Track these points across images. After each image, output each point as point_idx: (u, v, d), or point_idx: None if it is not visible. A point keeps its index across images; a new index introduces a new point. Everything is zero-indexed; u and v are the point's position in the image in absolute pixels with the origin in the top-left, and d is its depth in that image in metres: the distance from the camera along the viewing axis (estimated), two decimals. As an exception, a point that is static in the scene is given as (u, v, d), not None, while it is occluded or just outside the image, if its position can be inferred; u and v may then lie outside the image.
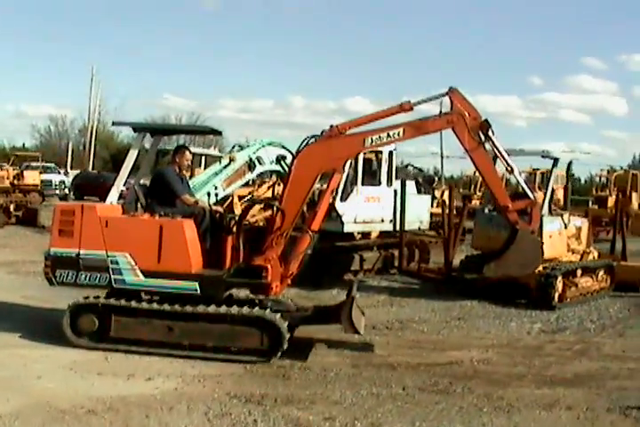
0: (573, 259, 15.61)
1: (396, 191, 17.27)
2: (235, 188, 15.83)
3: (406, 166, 30.43)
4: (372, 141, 9.92)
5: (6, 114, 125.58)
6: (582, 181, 40.03)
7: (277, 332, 9.39)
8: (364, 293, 14.30)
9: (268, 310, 9.61)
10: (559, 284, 14.28)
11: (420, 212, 19.63)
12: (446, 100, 10.15)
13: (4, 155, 50.53)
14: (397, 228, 17.48)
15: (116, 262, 9.60)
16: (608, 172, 40.09)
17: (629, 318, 13.76)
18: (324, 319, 10.27)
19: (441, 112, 10.09)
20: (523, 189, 11.02)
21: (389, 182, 17.72)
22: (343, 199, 16.29)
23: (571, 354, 10.76)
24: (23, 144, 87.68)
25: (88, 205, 10.14)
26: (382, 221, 17.27)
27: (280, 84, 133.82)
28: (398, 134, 9.93)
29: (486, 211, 15.46)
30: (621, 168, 40.29)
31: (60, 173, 48.49)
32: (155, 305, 9.64)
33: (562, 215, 15.40)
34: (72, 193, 44.24)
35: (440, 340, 10.76)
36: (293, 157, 10.16)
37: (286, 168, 17.54)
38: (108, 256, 9.60)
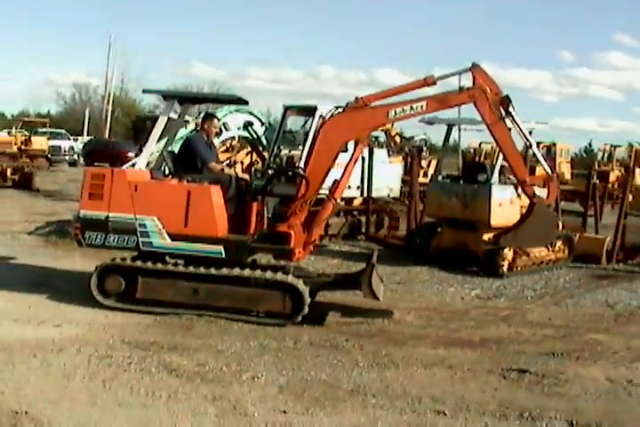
0: None
1: (363, 158, 17.23)
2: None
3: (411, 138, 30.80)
4: (395, 114, 10.11)
5: (36, 82, 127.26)
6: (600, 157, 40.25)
7: (299, 296, 9.62)
8: (319, 256, 14.53)
9: (291, 275, 9.82)
10: (508, 252, 14.32)
11: (389, 180, 19.86)
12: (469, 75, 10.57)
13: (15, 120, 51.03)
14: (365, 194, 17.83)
15: (144, 226, 9.80)
16: (611, 146, 40.35)
17: (575, 288, 13.77)
18: (344, 285, 10.59)
19: (462, 87, 10.26)
20: (541, 163, 11.33)
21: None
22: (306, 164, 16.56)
23: (492, 319, 10.85)
24: (48, 111, 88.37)
25: (118, 170, 10.36)
26: (349, 187, 16.95)
27: (310, 55, 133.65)
28: (421, 107, 10.11)
29: (439, 179, 15.77)
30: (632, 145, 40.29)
31: (69, 139, 49.00)
32: (181, 267, 9.83)
33: (516, 184, 15.66)
34: (83, 159, 44.83)
35: (367, 301, 10.61)
36: (317, 129, 10.60)
37: (254, 134, 17.78)
38: (136, 219, 9.79)
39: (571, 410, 7.15)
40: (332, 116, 10.20)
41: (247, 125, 16.05)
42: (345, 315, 10.44)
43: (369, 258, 10.50)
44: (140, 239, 9.91)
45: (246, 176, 11.03)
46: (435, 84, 10.34)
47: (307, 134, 16.89)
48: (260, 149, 18.60)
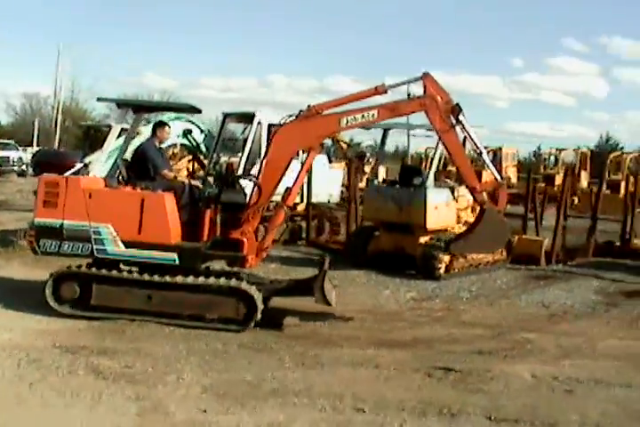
0: None
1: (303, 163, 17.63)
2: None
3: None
4: (347, 122, 10.21)
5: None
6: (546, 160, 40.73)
7: (252, 302, 9.70)
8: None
9: (244, 282, 9.91)
10: (445, 255, 14.34)
11: (329, 185, 19.89)
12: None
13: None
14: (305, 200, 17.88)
15: (99, 233, 9.87)
16: (557, 150, 40.68)
17: (511, 289, 13.84)
18: (297, 291, 10.63)
19: (410, 95, 10.35)
20: (490, 170, 11.54)
21: (297, 154, 18.16)
22: (246, 171, 16.28)
23: (426, 320, 10.94)
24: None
25: (72, 178, 10.50)
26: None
27: (261, 63, 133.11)
28: (373, 116, 10.23)
29: (375, 183, 15.89)
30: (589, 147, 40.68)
31: (18, 149, 48.76)
32: (135, 275, 9.92)
33: (452, 187, 15.60)
34: (32, 170, 44.65)
35: (301, 305, 10.80)
36: (270, 136, 10.75)
37: (193, 142, 17.91)
38: (90, 227, 9.87)
39: (491, 406, 7.27)
40: (284, 124, 10.31)
41: (186, 133, 16.15)
42: (278, 317, 10.52)
43: (321, 264, 10.58)
44: (95, 247, 9.97)
45: (199, 184, 11.12)
46: (386, 92, 10.47)
47: (245, 141, 17.17)
48: (201, 156, 18.68)
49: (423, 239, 14.61)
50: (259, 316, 9.76)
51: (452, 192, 15.34)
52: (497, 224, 10.70)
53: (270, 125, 16.99)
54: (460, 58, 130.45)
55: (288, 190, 10.36)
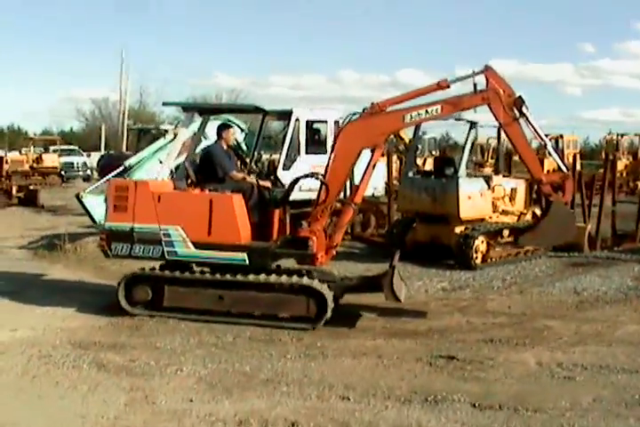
0: (508, 220, 15.56)
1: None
2: (179, 161, 16.35)
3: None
4: (411, 118, 10.29)
5: (57, 99, 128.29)
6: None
7: (323, 300, 9.80)
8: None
9: (315, 280, 10.03)
10: (481, 244, 14.35)
11: (373, 178, 20.02)
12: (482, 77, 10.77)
13: (25, 139, 51.60)
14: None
15: (169, 235, 10.08)
16: (618, 135, 40.23)
17: (547, 276, 13.59)
18: (367, 288, 10.63)
19: (476, 89, 10.37)
20: (556, 162, 11.44)
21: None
22: (286, 168, 16.65)
23: (449, 310, 10.86)
24: (71, 128, 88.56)
25: (141, 182, 10.73)
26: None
27: (331, 59, 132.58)
28: (436, 111, 10.27)
29: (410, 175, 15.67)
30: None
31: (82, 155, 49.51)
32: (207, 275, 10.14)
33: (488, 177, 15.57)
34: (97, 174, 45.33)
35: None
36: (336, 135, 10.84)
37: (234, 141, 18.24)
38: (160, 229, 10.08)
39: (482, 393, 7.30)
40: (349, 122, 10.42)
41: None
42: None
43: (391, 260, 10.65)
44: (165, 249, 10.19)
45: (267, 184, 11.25)
46: (448, 87, 10.50)
47: (284, 138, 17.33)
48: (243, 155, 18.88)
49: (459, 229, 14.58)
50: (329, 313, 9.85)
51: (488, 182, 15.24)
52: (564, 216, 10.64)
53: (310, 122, 17.42)
54: (528, 47, 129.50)
55: (355, 188, 10.46)
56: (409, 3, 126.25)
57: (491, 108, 10.36)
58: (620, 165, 32.18)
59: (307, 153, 17.52)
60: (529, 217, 16.01)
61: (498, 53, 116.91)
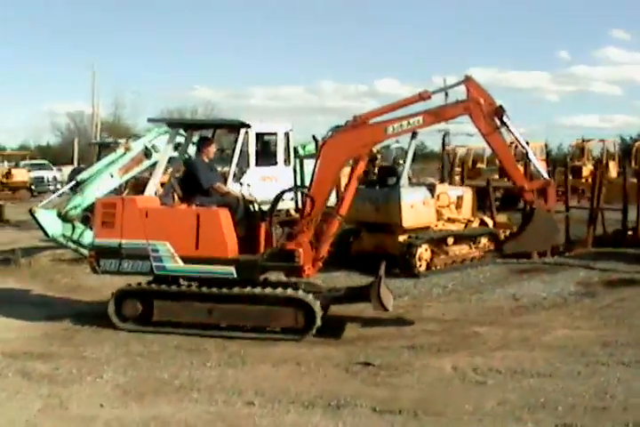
0: (454, 227, 15.61)
1: (295, 170, 17.79)
2: (131, 175, 16.29)
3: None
4: (393, 129, 10.38)
5: (35, 113, 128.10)
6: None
7: (311, 311, 9.92)
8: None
9: (302, 291, 10.17)
10: (425, 252, 14.38)
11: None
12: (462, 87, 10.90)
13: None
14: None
15: (157, 250, 10.25)
16: (583, 141, 40.25)
17: (490, 283, 13.57)
18: (354, 298, 10.76)
19: (457, 100, 10.44)
20: (537, 170, 11.60)
21: (287, 162, 18.21)
22: (236, 179, 16.66)
23: (383, 318, 10.76)
24: (47, 142, 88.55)
25: (128, 198, 10.93)
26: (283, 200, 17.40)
27: (308, 70, 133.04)
28: (418, 122, 10.38)
29: None
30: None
31: (52, 169, 49.40)
32: (195, 288, 10.29)
33: (432, 185, 15.70)
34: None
35: None
36: (319, 147, 10.96)
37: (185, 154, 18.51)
38: (148, 245, 10.28)
39: (386, 398, 7.43)
40: (331, 135, 10.55)
41: (177, 146, 16.54)
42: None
43: (377, 270, 10.78)
44: (154, 264, 10.36)
45: (253, 197, 11.37)
46: (429, 98, 10.55)
47: (234, 150, 17.47)
48: None
49: (402, 238, 14.64)
50: (319, 323, 9.96)
51: (431, 190, 15.35)
52: (547, 223, 10.73)
53: (260, 134, 17.75)
54: (506, 56, 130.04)
55: (341, 199, 10.60)
56: (386, 12, 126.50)
57: (472, 118, 10.44)
58: (586, 170, 32.17)
59: (257, 165, 17.79)
60: (476, 224, 16.21)
61: (474, 62, 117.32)
